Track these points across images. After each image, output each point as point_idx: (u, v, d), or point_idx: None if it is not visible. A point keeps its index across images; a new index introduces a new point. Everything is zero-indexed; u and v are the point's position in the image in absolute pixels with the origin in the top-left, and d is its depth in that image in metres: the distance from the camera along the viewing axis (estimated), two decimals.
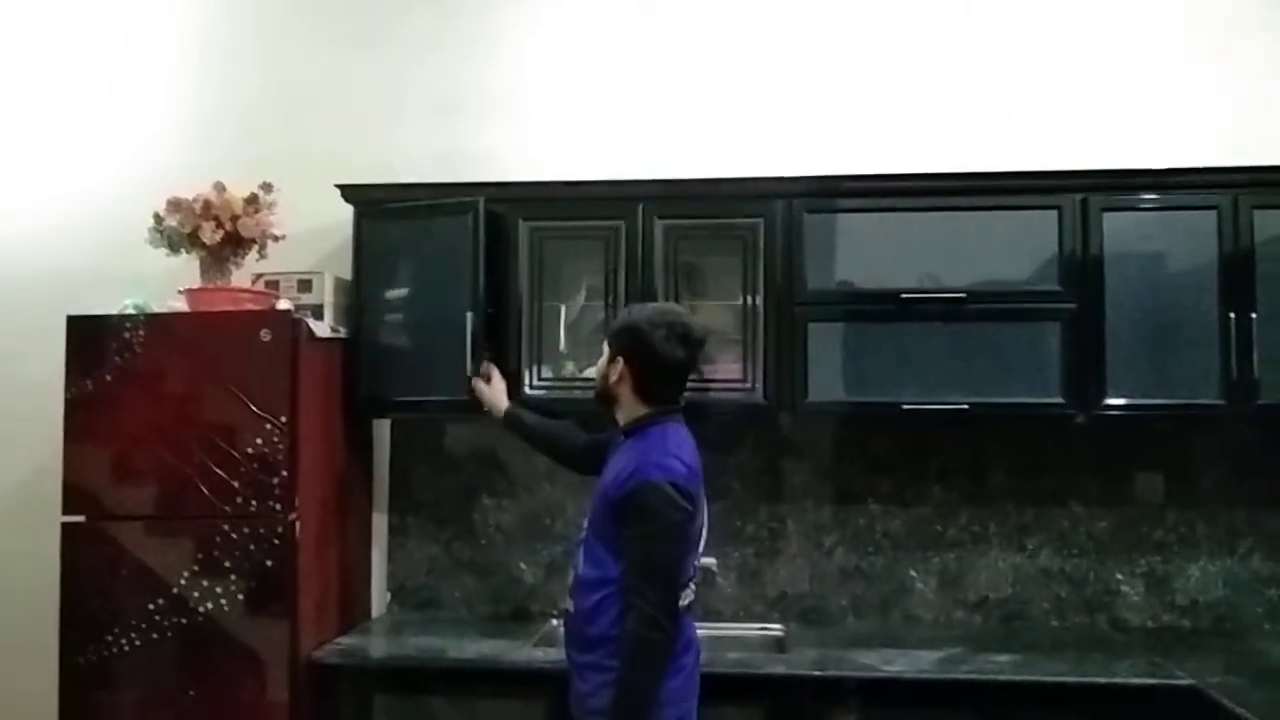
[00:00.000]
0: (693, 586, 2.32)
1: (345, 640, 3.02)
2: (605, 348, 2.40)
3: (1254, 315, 2.86)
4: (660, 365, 2.29)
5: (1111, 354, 2.91)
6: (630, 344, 2.31)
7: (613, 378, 2.34)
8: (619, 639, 2.16)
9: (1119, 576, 3.21)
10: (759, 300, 3.02)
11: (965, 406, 2.92)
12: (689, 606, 2.31)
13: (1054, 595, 3.23)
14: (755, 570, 3.31)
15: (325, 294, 3.09)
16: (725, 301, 3.07)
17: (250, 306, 2.96)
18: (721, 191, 3.05)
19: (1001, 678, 2.69)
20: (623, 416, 2.37)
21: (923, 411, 2.95)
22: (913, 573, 3.27)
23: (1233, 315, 2.87)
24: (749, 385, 3.00)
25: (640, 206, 3.03)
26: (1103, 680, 2.66)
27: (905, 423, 3.20)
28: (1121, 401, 2.90)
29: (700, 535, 2.32)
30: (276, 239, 3.03)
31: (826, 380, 2.99)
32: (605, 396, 2.39)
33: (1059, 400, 2.92)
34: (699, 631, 2.42)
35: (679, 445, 2.27)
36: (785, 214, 3.01)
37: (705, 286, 3.14)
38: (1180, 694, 2.59)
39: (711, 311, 3.08)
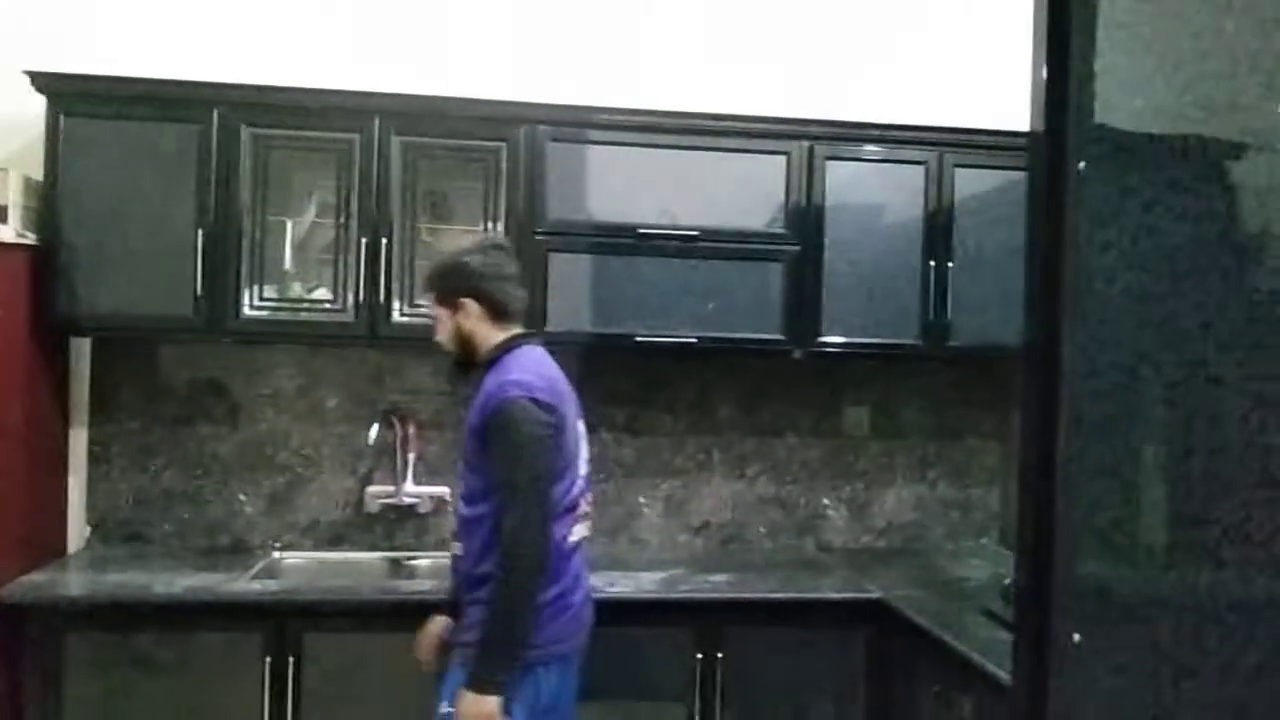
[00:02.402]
0: (585, 523, 2.29)
1: (34, 577, 2.75)
2: (437, 306, 2.29)
3: (950, 265, 3.14)
4: (502, 284, 2.26)
5: (828, 295, 3.11)
6: (466, 280, 2.25)
7: (467, 323, 2.25)
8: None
9: (826, 502, 3.48)
10: (500, 228, 2.98)
11: (694, 340, 3.04)
12: (580, 544, 2.27)
13: (769, 519, 3.46)
14: None
15: (11, 194, 2.74)
16: (466, 227, 3.02)
17: None
18: (463, 111, 2.97)
19: (715, 596, 2.86)
20: (482, 352, 2.27)
21: (654, 344, 3.04)
22: (641, 499, 3.39)
23: (932, 264, 3.14)
24: None
25: (377, 120, 2.90)
26: (803, 596, 2.90)
27: (639, 355, 3.29)
28: (835, 339, 3.12)
29: (576, 457, 2.26)
30: None
31: (566, 310, 3.02)
32: (465, 347, 2.27)
33: (780, 336, 3.10)
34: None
35: (536, 363, 2.23)
36: (529, 140, 2.98)
37: (446, 211, 3.07)
38: (869, 606, 2.86)
39: (452, 237, 3.02)
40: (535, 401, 2.12)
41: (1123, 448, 0.90)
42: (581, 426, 2.33)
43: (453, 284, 2.27)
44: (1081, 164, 0.95)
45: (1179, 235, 0.92)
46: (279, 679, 2.63)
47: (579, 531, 2.28)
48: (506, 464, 2.11)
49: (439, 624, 2.42)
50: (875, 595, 2.87)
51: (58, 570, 2.89)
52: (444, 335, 2.31)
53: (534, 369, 2.21)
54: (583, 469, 2.30)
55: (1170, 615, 0.92)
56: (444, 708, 2.15)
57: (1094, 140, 0.97)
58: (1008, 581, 2.61)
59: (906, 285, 3.14)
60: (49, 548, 3.00)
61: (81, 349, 3.12)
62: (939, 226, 3.15)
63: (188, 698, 2.66)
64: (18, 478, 2.79)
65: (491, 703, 2.05)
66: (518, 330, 2.29)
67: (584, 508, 2.30)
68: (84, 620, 2.65)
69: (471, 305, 2.25)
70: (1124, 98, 0.99)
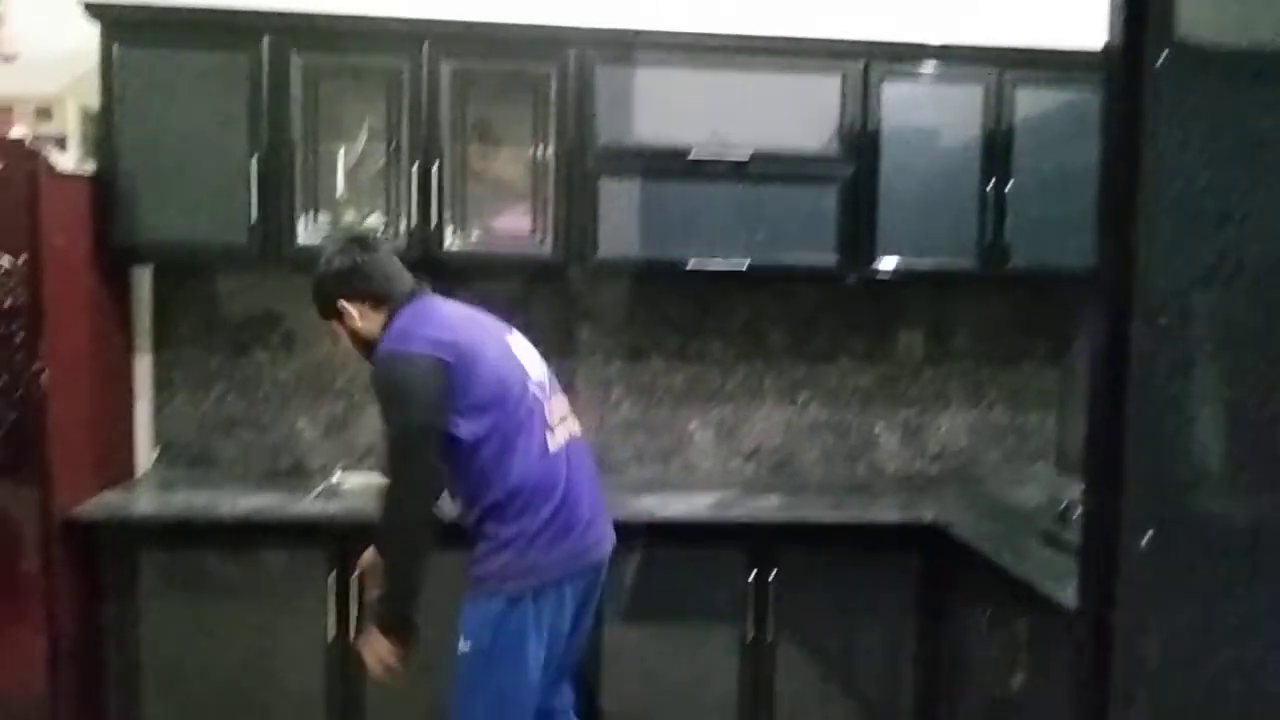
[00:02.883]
0: (564, 427, 2.25)
1: (106, 497, 2.85)
2: (329, 324, 2.31)
3: (1009, 186, 3.06)
4: (363, 276, 2.23)
5: (883, 219, 3.05)
6: (334, 290, 2.25)
7: (355, 324, 2.24)
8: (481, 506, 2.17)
9: (879, 428, 3.47)
10: (550, 153, 2.96)
11: (745, 268, 3.02)
12: (571, 452, 2.24)
13: (821, 445, 3.45)
14: None
15: (69, 123, 2.79)
16: (516, 150, 3.01)
17: None
18: (512, 35, 2.93)
19: (768, 518, 2.88)
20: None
21: (705, 272, 3.02)
22: (692, 425, 3.40)
23: (991, 186, 3.06)
24: (538, 239, 2.97)
25: (425, 45, 2.88)
26: (856, 518, 2.90)
27: (690, 281, 3.27)
28: (889, 264, 3.07)
29: (511, 372, 2.19)
30: (7, 59, 2.69)
31: (616, 236, 3.00)
32: (367, 346, 2.25)
33: (833, 262, 3.06)
34: None
35: (411, 316, 2.20)
36: (578, 64, 2.94)
37: (494, 135, 3.05)
38: (923, 529, 2.86)
39: (501, 162, 3.02)
40: (403, 352, 2.11)
41: (1199, 346, 0.88)
42: (514, 340, 2.28)
43: (325, 298, 2.27)
44: (1161, 58, 0.92)
45: (1262, 126, 0.89)
46: (343, 595, 2.72)
47: (559, 437, 2.23)
48: (388, 421, 2.14)
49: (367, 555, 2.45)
50: (929, 519, 2.87)
51: (128, 491, 2.98)
52: (347, 344, 2.31)
53: (407, 323, 2.18)
54: (534, 376, 2.24)
55: (1241, 519, 0.90)
56: (462, 645, 2.17)
57: (1171, 40, 0.93)
58: (1066, 504, 2.59)
59: (964, 208, 3.08)
60: (119, 470, 3.09)
61: (142, 278, 3.18)
62: (998, 147, 3.07)
63: (256, 613, 2.76)
64: (87, 401, 2.87)
65: (387, 645, 2.13)
66: (395, 303, 2.24)
67: (555, 413, 2.25)
68: (155, 538, 2.75)
69: (349, 308, 2.24)
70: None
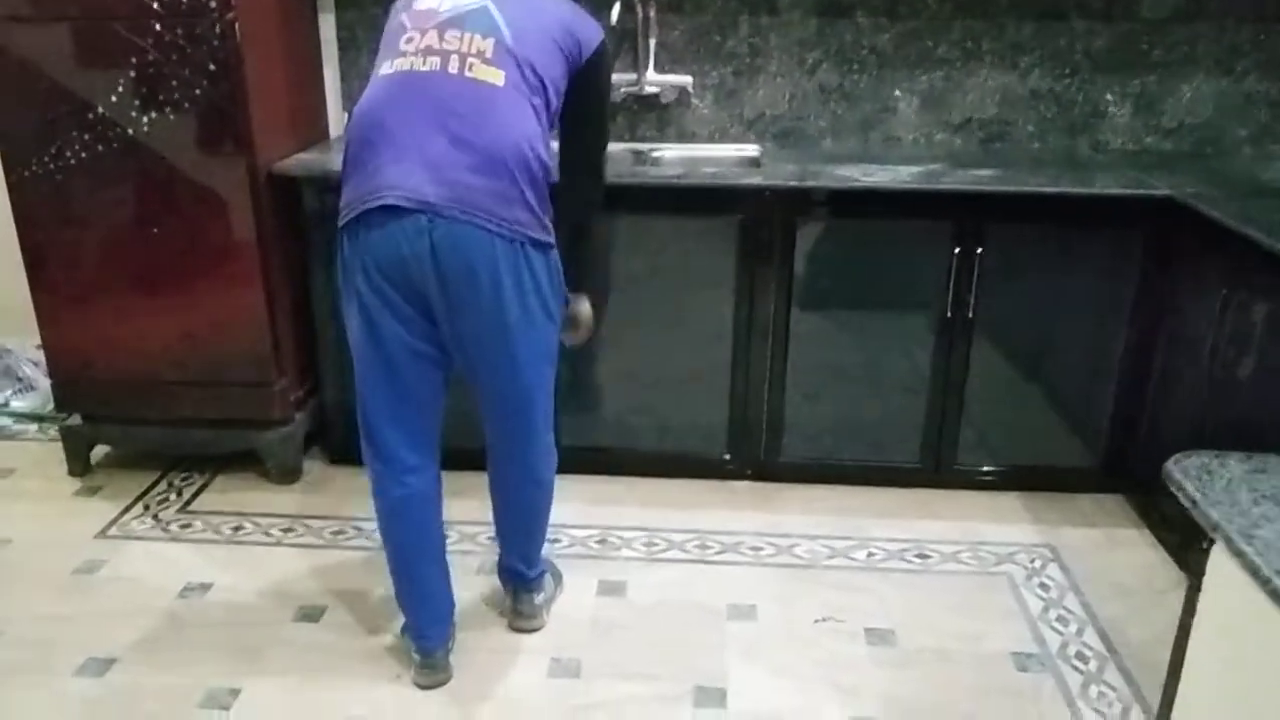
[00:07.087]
0: (418, 58, 1.91)
1: (302, 156, 2.87)
2: None
3: None
4: None
5: None
6: None
7: None
8: None
9: (1108, 97, 3.09)
10: None
11: None
12: (379, 79, 1.97)
13: (1039, 117, 3.12)
14: (733, 90, 3.14)
15: None
16: None
17: None
18: None
19: (978, 188, 2.64)
20: None
21: None
22: (896, 92, 3.12)
23: None
24: None
25: None
26: (1076, 190, 2.63)
27: None
28: None
29: (408, 9, 1.99)
30: None
31: None
32: None
33: None
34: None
35: None
36: None
37: None
38: (1153, 203, 2.58)
39: None
40: None
41: None
42: None
43: None
44: None
45: None
46: None
47: (405, 64, 1.92)
48: None
49: None
50: (1163, 192, 2.58)
51: (322, 151, 2.99)
52: None
53: None
54: (419, 5, 1.96)
55: None
56: None
57: None
58: None
59: None
60: (313, 132, 3.12)
61: None
62: None
63: None
64: (278, 57, 2.84)
65: None
66: None
67: (421, 41, 1.91)
68: None
69: None
70: None
